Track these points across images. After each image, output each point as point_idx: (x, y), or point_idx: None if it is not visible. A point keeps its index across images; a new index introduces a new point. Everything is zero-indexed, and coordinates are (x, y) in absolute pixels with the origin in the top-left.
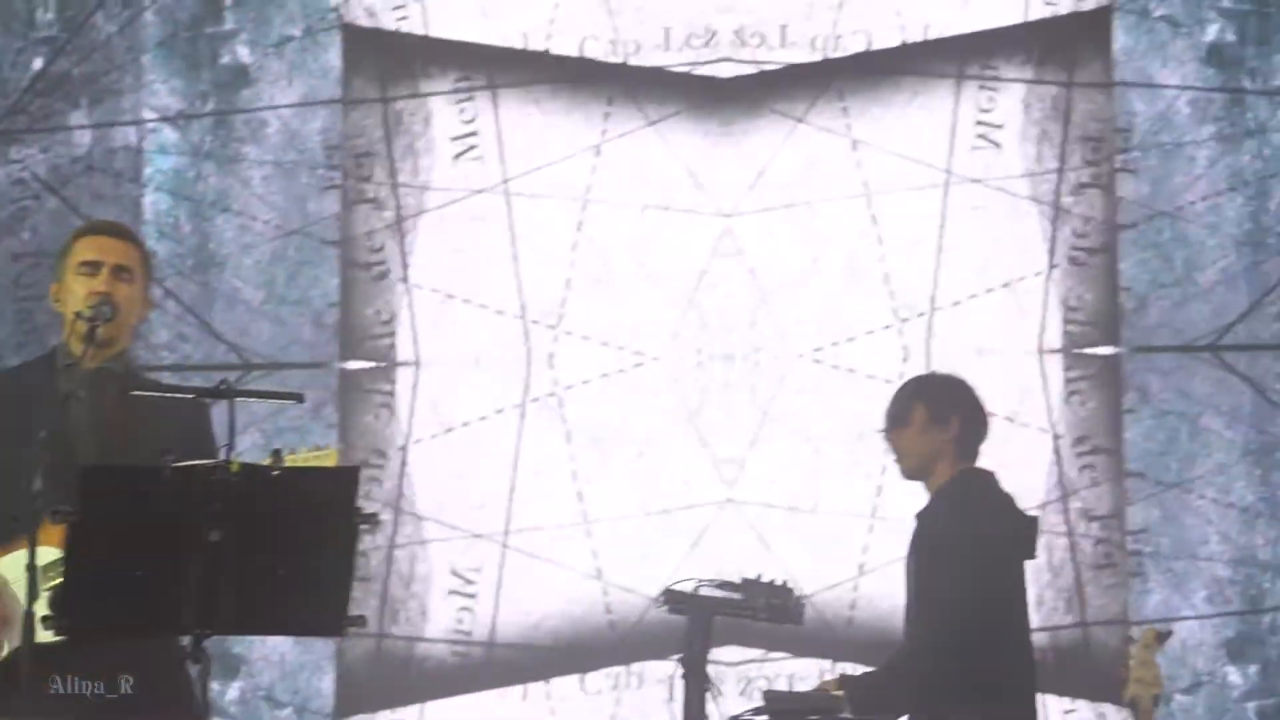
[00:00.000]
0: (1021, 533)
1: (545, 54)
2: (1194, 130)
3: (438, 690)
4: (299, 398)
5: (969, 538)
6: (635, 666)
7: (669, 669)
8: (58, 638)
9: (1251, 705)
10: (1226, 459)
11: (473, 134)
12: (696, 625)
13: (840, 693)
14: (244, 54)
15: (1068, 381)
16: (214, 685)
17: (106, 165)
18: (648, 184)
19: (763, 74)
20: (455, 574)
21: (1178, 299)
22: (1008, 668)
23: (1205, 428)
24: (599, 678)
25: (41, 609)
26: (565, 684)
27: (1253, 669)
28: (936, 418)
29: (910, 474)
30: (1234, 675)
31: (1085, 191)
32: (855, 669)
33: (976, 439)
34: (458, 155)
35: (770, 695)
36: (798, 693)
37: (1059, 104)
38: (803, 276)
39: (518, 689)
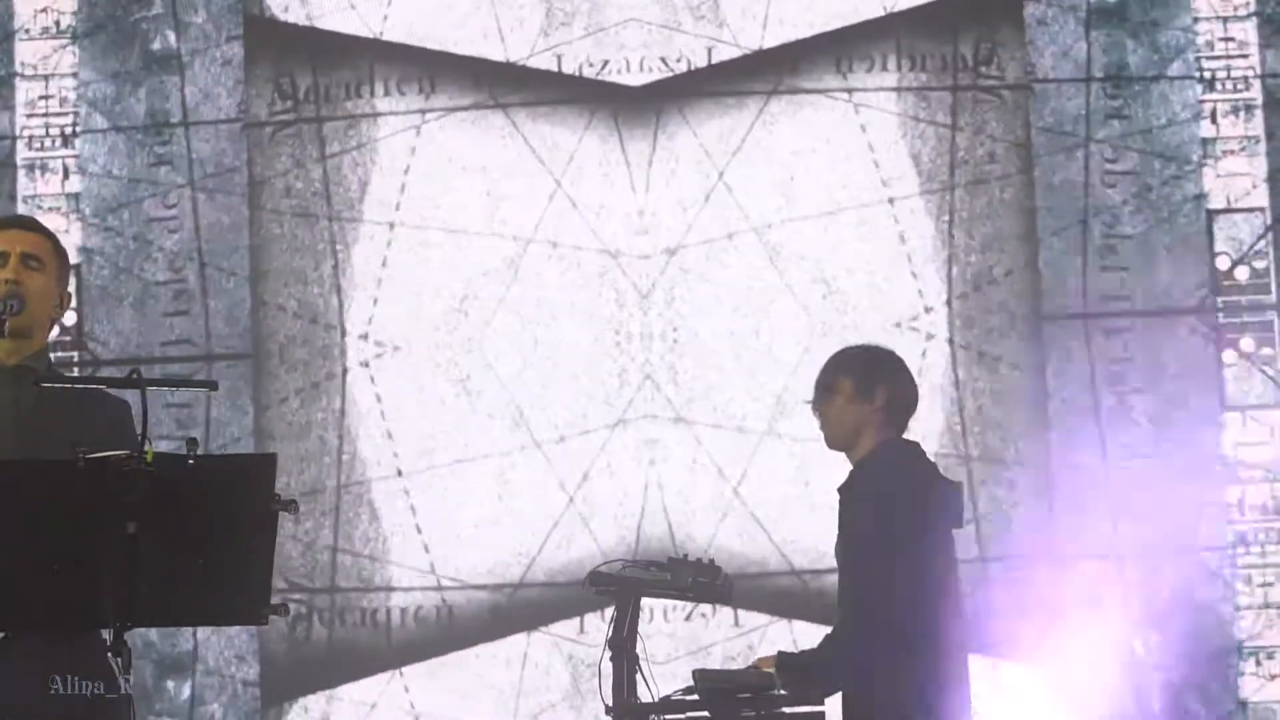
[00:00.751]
0: (946, 501)
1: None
2: None
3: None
4: (212, 385)
5: (887, 506)
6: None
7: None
8: None
9: None
10: None
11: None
12: (624, 606)
13: (772, 670)
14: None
15: None
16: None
17: None
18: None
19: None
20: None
21: None
22: (936, 639)
23: None
24: None
25: None
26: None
27: None
28: (862, 390)
29: (835, 445)
30: None
31: None
32: None
33: (904, 412)
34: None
35: (700, 674)
36: (728, 670)
37: None
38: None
39: None
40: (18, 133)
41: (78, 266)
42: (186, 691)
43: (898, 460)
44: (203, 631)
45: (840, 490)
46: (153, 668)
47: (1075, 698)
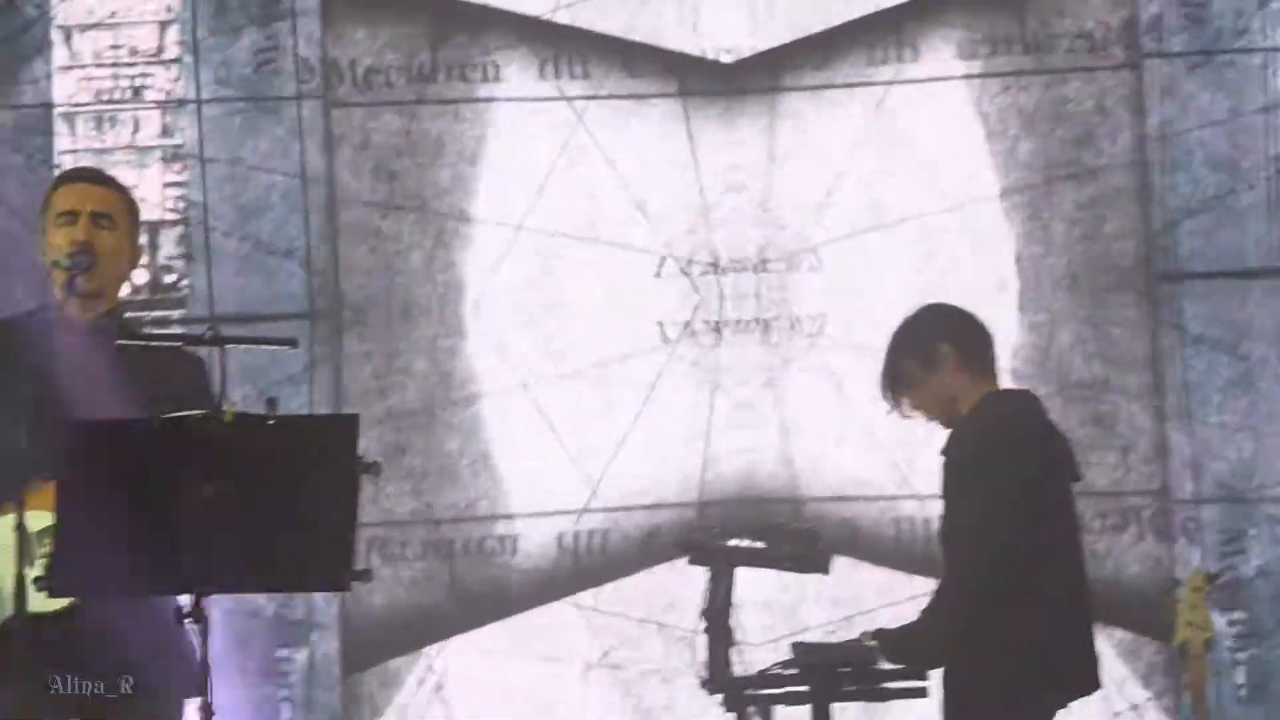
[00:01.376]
0: (1057, 454)
1: None
2: None
3: None
4: (291, 343)
5: (993, 465)
6: None
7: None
8: (50, 604)
9: None
10: None
11: None
12: (718, 577)
13: (874, 643)
14: None
15: None
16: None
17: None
18: None
19: None
20: None
21: None
22: (1053, 601)
23: None
24: None
25: (33, 572)
26: None
27: None
28: (927, 362)
29: (945, 423)
30: None
31: None
32: None
33: (980, 353)
34: None
35: (799, 647)
36: (828, 644)
37: None
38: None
39: None
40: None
41: (186, 219)
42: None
43: (999, 414)
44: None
45: (943, 452)
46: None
47: None
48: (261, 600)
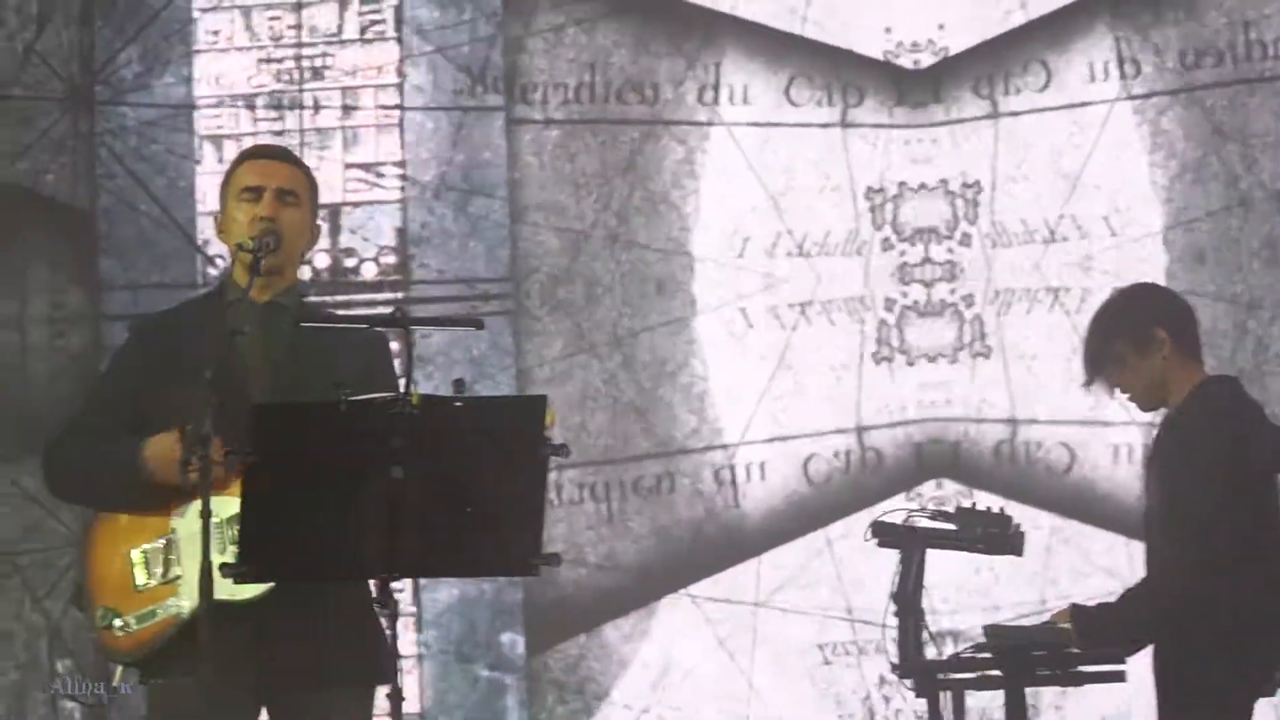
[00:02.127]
0: (1273, 445)
1: None
2: None
3: None
4: (478, 324)
5: (1218, 447)
6: None
7: None
8: (238, 592)
9: None
10: None
11: None
12: (909, 558)
13: (1068, 625)
14: None
15: None
16: None
17: None
18: None
19: None
20: None
21: None
22: (1262, 591)
23: None
24: None
25: (219, 559)
26: None
27: None
28: (1142, 344)
29: (1151, 407)
30: None
31: None
32: None
33: (1192, 334)
34: None
35: (992, 630)
36: (1022, 626)
37: None
38: None
39: None
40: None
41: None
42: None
43: (1224, 399)
44: None
45: (1162, 424)
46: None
47: None
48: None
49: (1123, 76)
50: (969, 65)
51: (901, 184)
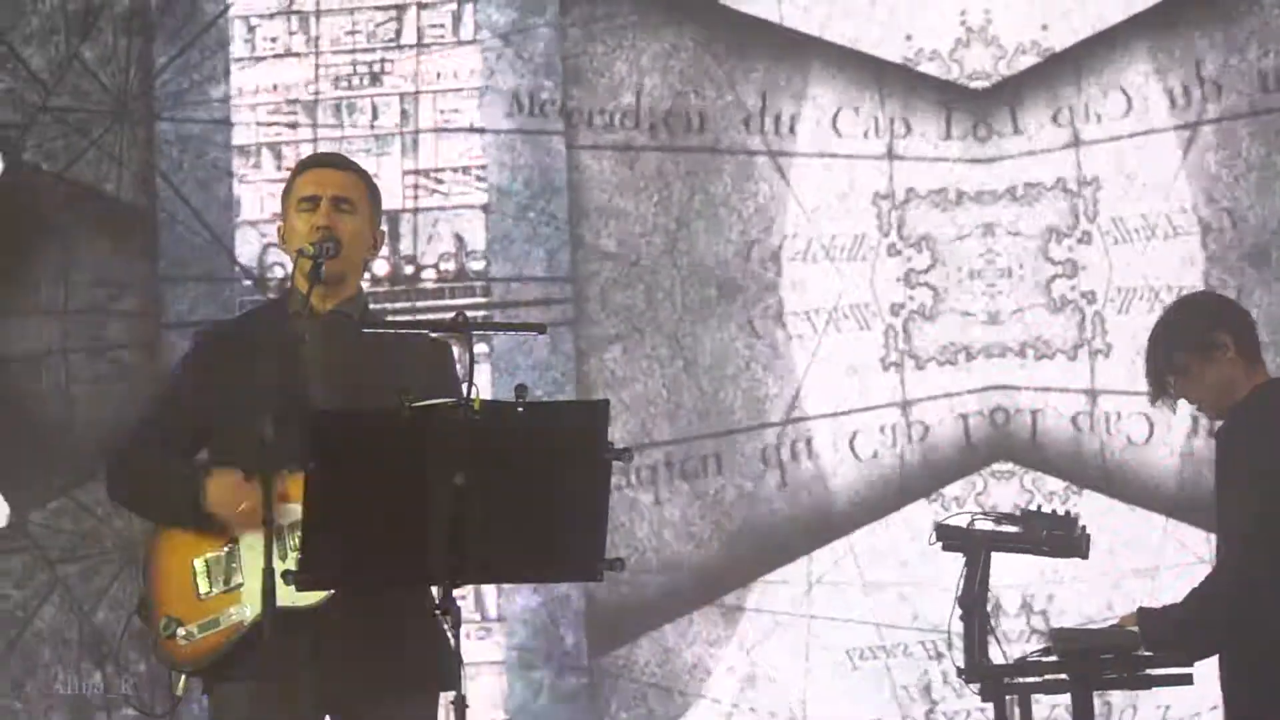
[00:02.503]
0: None
1: None
2: None
3: None
4: (540, 329)
5: (1272, 449)
6: None
7: None
8: (300, 599)
9: None
10: None
11: None
12: (974, 561)
13: (1135, 628)
14: None
15: None
16: None
17: None
18: None
19: None
20: None
21: None
22: None
23: None
24: None
25: (282, 567)
26: None
27: None
28: (1205, 351)
29: (1219, 413)
30: None
31: None
32: None
33: (1253, 342)
34: None
35: (1058, 633)
36: (1088, 630)
37: None
38: None
39: None
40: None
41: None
42: None
43: (1274, 400)
44: None
45: (1216, 435)
46: None
47: None
48: None
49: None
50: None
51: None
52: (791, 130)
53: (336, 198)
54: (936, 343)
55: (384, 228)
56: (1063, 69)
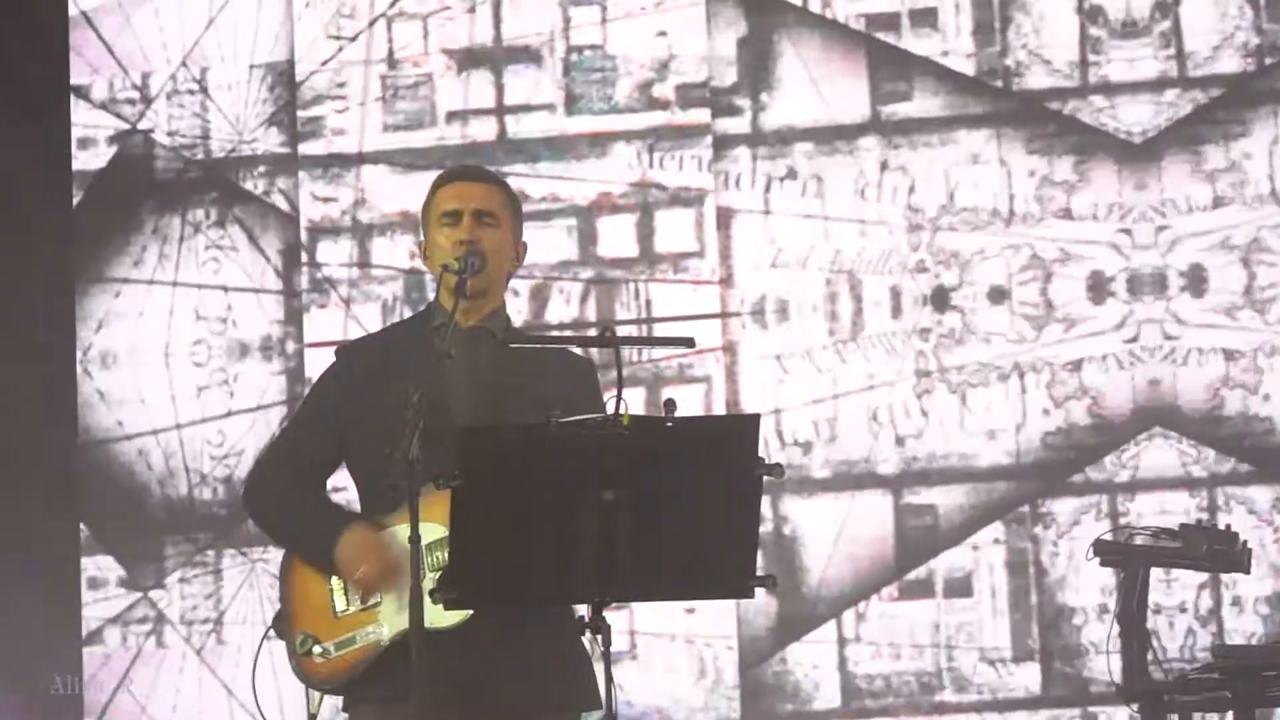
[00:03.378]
0: None
1: None
2: None
3: None
4: (688, 342)
5: None
6: None
7: None
8: (446, 618)
9: None
10: None
11: None
12: (1132, 577)
13: None
14: None
15: None
16: None
17: None
18: None
19: None
20: None
21: None
22: None
23: None
24: None
25: (429, 586)
26: None
27: None
28: None
29: None
30: None
31: None
32: None
33: None
34: None
35: (1220, 649)
36: (1251, 646)
37: None
38: None
39: None
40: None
41: None
42: None
43: None
44: None
45: None
46: None
47: None
48: None
49: None
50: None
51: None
52: None
53: (479, 211)
54: None
55: (525, 239)
56: None
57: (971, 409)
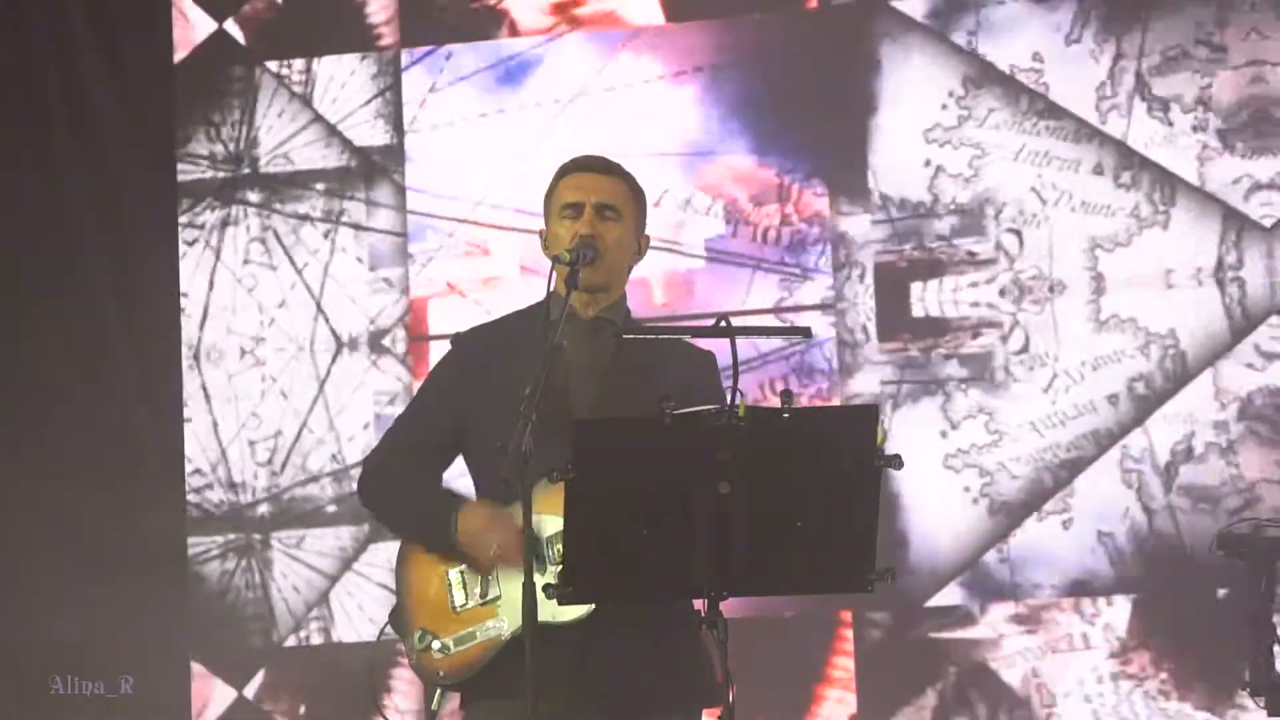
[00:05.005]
0: None
1: None
2: None
3: None
4: (806, 333)
5: None
6: None
7: None
8: (562, 613)
9: None
10: None
11: None
12: (1258, 571)
13: None
14: None
15: None
16: None
17: None
18: None
19: None
20: None
21: None
22: None
23: None
24: None
25: (542, 580)
26: None
27: None
28: None
29: None
30: None
31: None
32: None
33: None
34: None
35: None
36: None
37: None
38: None
39: None
40: None
41: None
42: None
43: None
44: None
45: None
46: None
47: None
48: None
49: None
50: None
51: None
52: None
53: (600, 205)
54: None
55: (648, 232)
56: None
57: None
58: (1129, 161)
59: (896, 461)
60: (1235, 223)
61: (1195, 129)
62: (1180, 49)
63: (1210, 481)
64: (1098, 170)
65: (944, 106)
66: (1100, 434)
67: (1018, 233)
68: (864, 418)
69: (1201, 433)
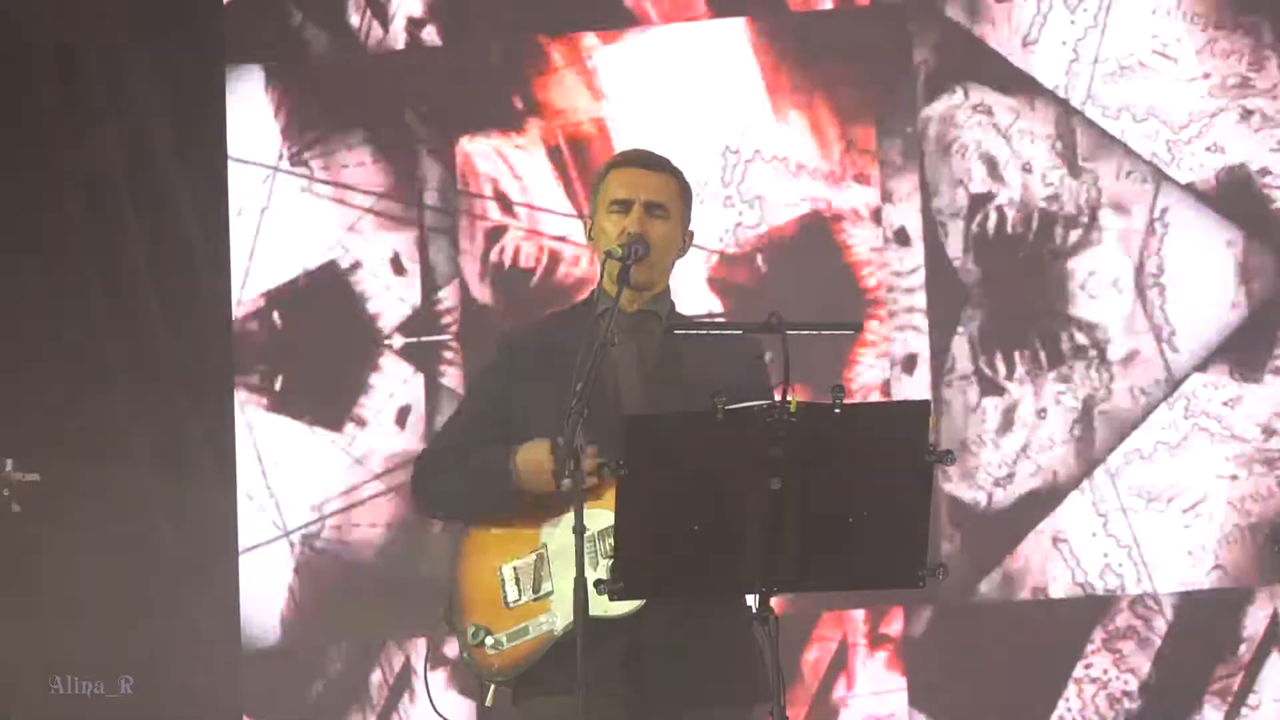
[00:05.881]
0: None
1: None
2: None
3: None
4: (857, 327)
5: None
6: None
7: None
8: (613, 608)
9: None
10: None
11: None
12: None
13: None
14: None
15: None
16: None
17: None
18: None
19: None
20: None
21: None
22: None
23: None
24: None
25: (594, 575)
26: None
27: None
28: None
29: None
30: None
31: None
32: None
33: None
34: None
35: None
36: None
37: None
38: None
39: None
40: None
41: None
42: None
43: None
44: None
45: None
46: None
47: None
48: None
49: None
50: None
51: None
52: None
53: (650, 203)
54: None
55: (693, 228)
56: None
57: None
58: None
59: (949, 457)
60: None
61: None
62: None
63: None
64: None
65: None
66: None
67: None
68: (916, 414)
69: None
